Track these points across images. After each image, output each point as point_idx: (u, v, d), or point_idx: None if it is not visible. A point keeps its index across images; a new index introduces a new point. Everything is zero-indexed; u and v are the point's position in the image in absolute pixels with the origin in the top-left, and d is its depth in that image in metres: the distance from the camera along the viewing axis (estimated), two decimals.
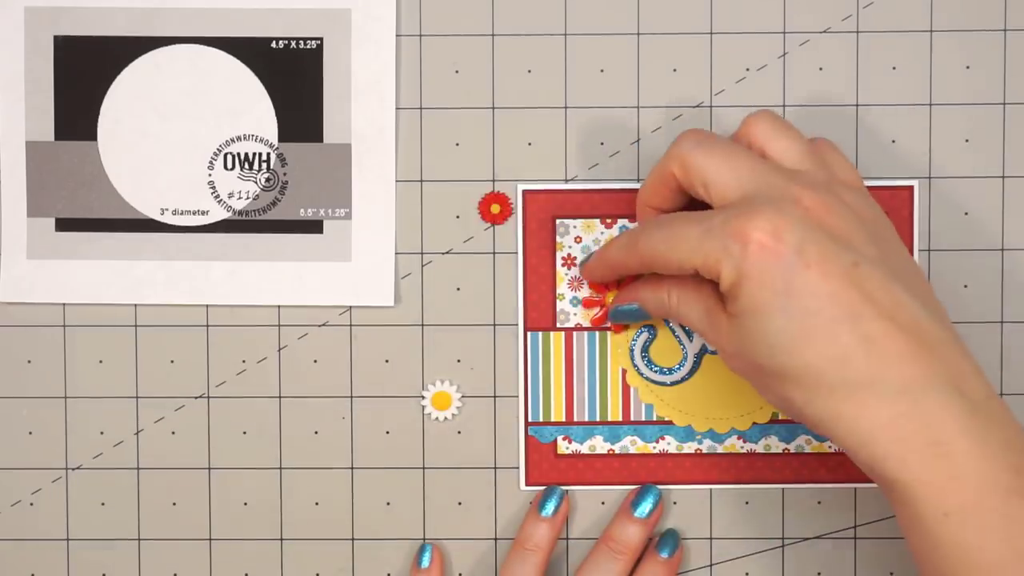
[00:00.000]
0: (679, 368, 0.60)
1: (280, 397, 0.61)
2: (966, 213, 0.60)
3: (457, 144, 0.60)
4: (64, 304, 0.60)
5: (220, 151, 0.60)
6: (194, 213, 0.60)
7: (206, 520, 0.61)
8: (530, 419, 0.60)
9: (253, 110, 0.60)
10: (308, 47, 0.60)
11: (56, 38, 0.60)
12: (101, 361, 0.61)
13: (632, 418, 0.60)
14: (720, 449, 0.60)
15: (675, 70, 0.60)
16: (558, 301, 0.60)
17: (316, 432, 0.61)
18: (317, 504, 0.61)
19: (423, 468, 0.61)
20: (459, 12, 0.60)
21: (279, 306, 0.60)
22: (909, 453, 0.48)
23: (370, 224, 0.60)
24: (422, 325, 0.60)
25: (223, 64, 0.60)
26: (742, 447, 0.60)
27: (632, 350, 0.60)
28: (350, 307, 0.60)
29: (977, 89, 0.59)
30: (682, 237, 0.51)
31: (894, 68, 0.59)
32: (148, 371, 0.61)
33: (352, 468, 0.61)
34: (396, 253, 0.60)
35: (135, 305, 0.60)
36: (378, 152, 0.60)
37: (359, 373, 0.60)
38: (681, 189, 0.53)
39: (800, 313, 0.48)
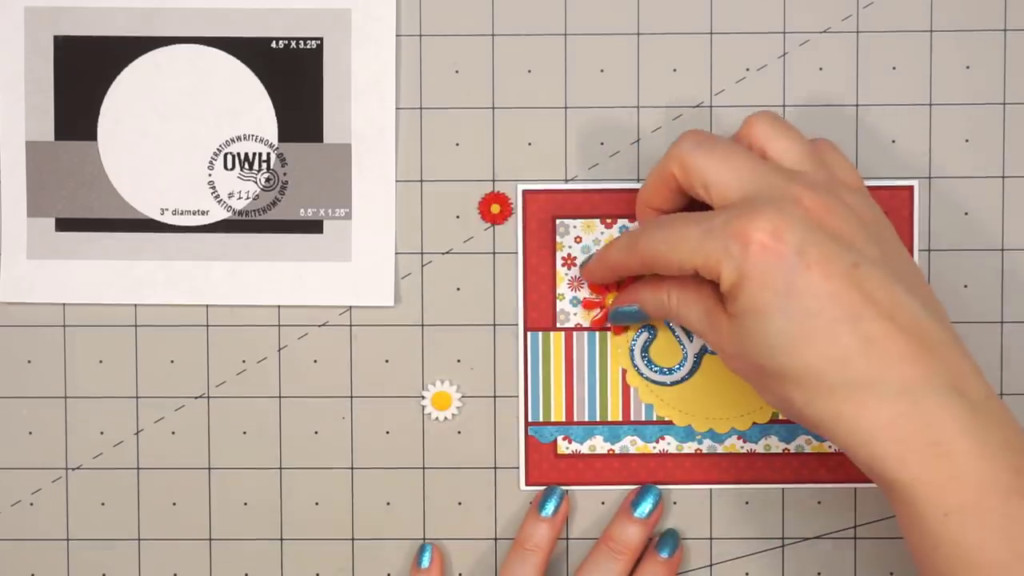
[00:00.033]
0: (679, 368, 0.60)
1: (280, 397, 0.61)
2: (966, 213, 0.60)
3: (457, 144, 0.60)
4: (64, 304, 0.60)
5: (220, 151, 0.60)
6: (194, 213, 0.60)
7: (206, 520, 0.61)
8: (530, 419, 0.60)
9: (253, 110, 0.60)
10: (308, 47, 0.60)
11: (56, 38, 0.60)
12: (101, 361, 0.61)
13: (632, 418, 0.60)
14: (720, 449, 0.60)
15: (675, 70, 0.60)
16: (558, 301, 0.60)
17: (316, 432, 0.61)
18: (317, 504, 0.61)
19: (423, 468, 0.61)
20: (459, 12, 0.60)
21: (279, 306, 0.60)
22: (909, 453, 0.48)
23: (370, 224, 0.60)
24: (422, 325, 0.60)
25: (223, 64, 0.60)
26: (742, 447, 0.60)
27: (632, 350, 0.60)
28: (350, 307, 0.60)
29: (977, 89, 0.59)
30: (682, 238, 0.51)
31: (894, 68, 0.59)
32: (148, 371, 0.61)
33: (352, 468, 0.61)
34: (396, 253, 0.60)
35: (135, 305, 0.60)
36: (378, 152, 0.60)
37: (359, 373, 0.60)
38: (681, 190, 0.53)
39: (800, 314, 0.48)
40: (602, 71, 0.60)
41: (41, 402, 0.61)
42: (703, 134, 0.53)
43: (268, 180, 0.60)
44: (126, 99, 0.60)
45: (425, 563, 0.60)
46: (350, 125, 0.60)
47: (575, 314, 0.60)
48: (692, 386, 0.60)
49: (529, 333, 0.60)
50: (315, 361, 0.60)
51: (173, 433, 0.61)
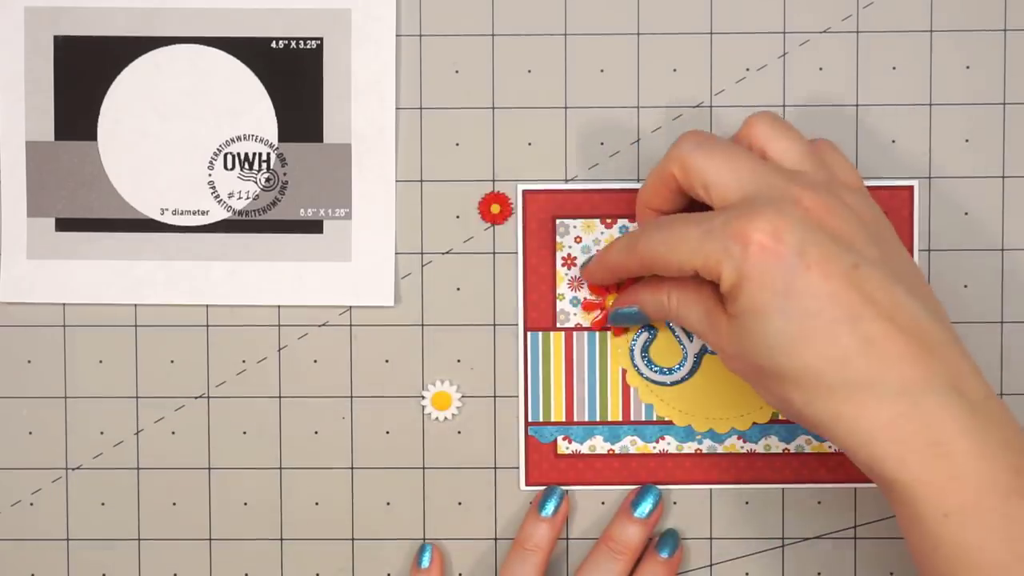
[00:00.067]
0: (679, 368, 0.60)
1: (280, 397, 0.61)
2: (966, 213, 0.60)
3: (457, 144, 0.60)
4: (64, 304, 0.60)
5: (220, 151, 0.60)
6: (194, 213, 0.60)
7: (206, 520, 0.61)
8: (530, 419, 0.60)
9: (253, 110, 0.60)
10: (308, 47, 0.60)
11: (56, 38, 0.60)
12: (101, 361, 0.61)
13: (632, 418, 0.60)
14: (720, 449, 0.60)
15: (675, 70, 0.60)
16: (558, 301, 0.60)
17: (316, 432, 0.61)
18: (317, 504, 0.61)
19: (423, 468, 0.61)
20: (459, 12, 0.60)
21: (279, 306, 0.60)
22: (909, 453, 0.48)
23: (370, 224, 0.60)
24: (422, 325, 0.60)
25: (223, 64, 0.60)
26: (742, 447, 0.60)
27: (632, 350, 0.60)
28: (350, 307, 0.60)
29: (977, 89, 0.59)
30: (682, 238, 0.51)
31: (894, 68, 0.59)
32: (148, 371, 0.61)
33: (352, 468, 0.61)
34: (396, 253, 0.60)
35: (135, 305, 0.60)
36: (378, 152, 0.60)
37: (359, 373, 0.60)
38: (681, 191, 0.53)
39: (800, 314, 0.48)
40: (602, 71, 0.60)
41: (41, 402, 0.61)
42: (703, 134, 0.53)
43: (268, 180, 0.60)
44: (126, 99, 0.60)
45: (425, 563, 0.60)
46: (350, 125, 0.60)
47: (575, 314, 0.60)
48: (692, 386, 0.60)
49: (529, 333, 0.60)
50: (315, 361, 0.60)
51: (173, 433, 0.61)
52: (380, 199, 0.60)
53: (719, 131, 0.59)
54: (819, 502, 0.60)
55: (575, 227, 0.60)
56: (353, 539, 0.61)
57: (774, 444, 0.60)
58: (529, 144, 0.60)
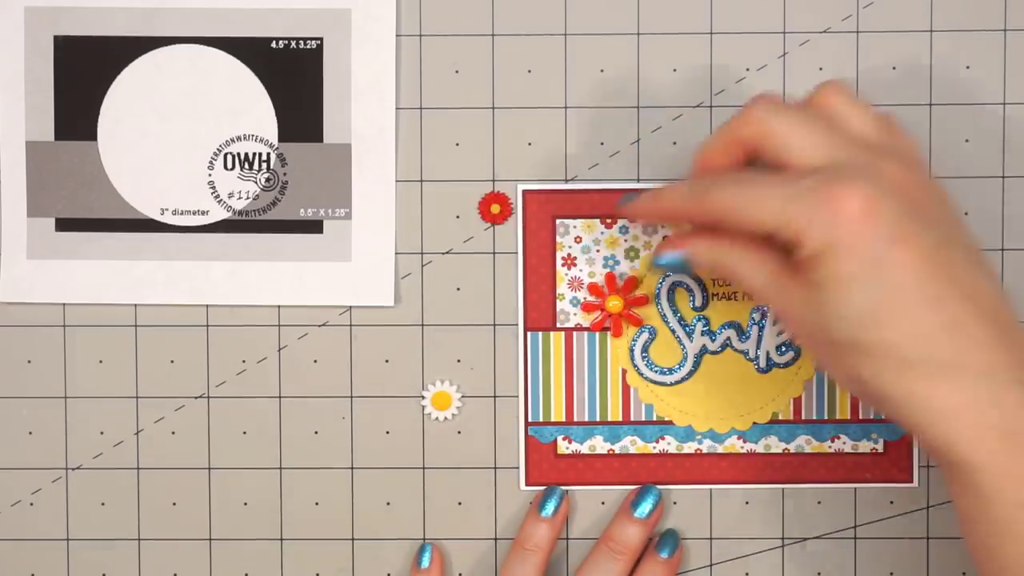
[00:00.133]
0: (679, 368, 0.60)
1: (280, 397, 0.61)
2: (966, 213, 0.59)
3: (457, 144, 0.60)
4: (64, 304, 0.60)
5: (220, 151, 0.60)
6: (194, 213, 0.60)
7: (206, 520, 0.61)
8: (530, 419, 0.60)
9: (253, 110, 0.60)
10: (308, 47, 0.60)
11: (56, 38, 0.60)
12: (101, 361, 0.61)
13: (632, 418, 0.60)
14: (720, 449, 0.60)
15: (675, 70, 0.60)
16: (558, 301, 0.60)
17: (316, 432, 0.61)
18: (317, 504, 0.61)
19: (423, 468, 0.61)
20: (459, 12, 0.60)
21: (279, 306, 0.60)
22: (983, 439, 0.47)
23: (370, 224, 0.60)
24: (422, 325, 0.60)
25: (223, 64, 0.60)
26: (742, 447, 0.60)
27: (632, 350, 0.60)
28: (350, 307, 0.60)
29: (977, 89, 0.59)
30: (763, 196, 0.49)
31: (894, 68, 0.59)
32: (148, 371, 0.61)
33: (352, 468, 0.61)
34: (396, 253, 0.60)
35: (135, 305, 0.60)
36: (378, 152, 0.60)
37: (359, 373, 0.60)
38: (748, 153, 0.51)
39: (887, 288, 0.47)
40: (602, 71, 0.60)
41: (41, 402, 0.61)
42: (778, 98, 0.51)
43: (268, 180, 0.60)
44: (126, 99, 0.60)
45: (425, 563, 0.60)
46: (350, 125, 0.60)
47: (575, 314, 0.60)
48: (692, 386, 0.60)
49: (529, 333, 0.60)
50: (315, 361, 0.60)
51: (173, 433, 0.61)
52: (380, 199, 0.60)
53: None
54: (819, 502, 0.60)
55: (575, 227, 0.60)
56: (353, 539, 0.61)
57: (774, 444, 0.60)
58: (529, 144, 0.60)
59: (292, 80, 0.60)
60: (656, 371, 0.60)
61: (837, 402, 0.60)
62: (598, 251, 0.60)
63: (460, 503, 0.61)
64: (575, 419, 0.60)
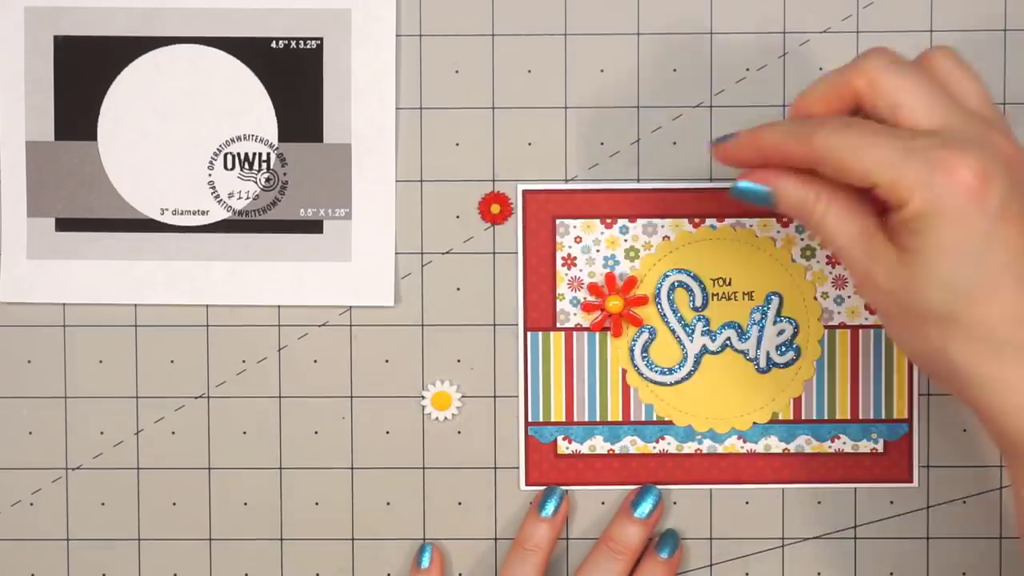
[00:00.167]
0: (679, 368, 0.60)
1: (280, 397, 0.61)
2: None
3: (457, 144, 0.60)
4: (64, 304, 0.60)
5: (220, 151, 0.60)
6: (194, 213, 0.60)
7: (206, 520, 0.61)
8: (530, 419, 0.60)
9: (253, 110, 0.60)
10: (308, 47, 0.60)
11: (56, 38, 0.60)
12: (101, 361, 0.61)
13: (632, 418, 0.60)
14: (720, 449, 0.60)
15: (675, 70, 0.60)
16: (558, 301, 0.60)
17: (316, 432, 0.61)
18: (317, 504, 0.61)
19: (423, 468, 0.61)
20: (459, 12, 0.60)
21: (279, 306, 0.60)
22: None
23: (370, 224, 0.60)
24: (422, 325, 0.60)
25: (223, 64, 0.60)
26: (742, 447, 0.60)
27: (632, 350, 0.60)
28: (350, 307, 0.60)
29: None
30: (876, 146, 0.47)
31: None
32: (148, 371, 0.61)
33: (352, 468, 0.61)
34: (396, 253, 0.60)
35: (135, 305, 0.60)
36: (378, 152, 0.60)
37: (359, 373, 0.60)
38: (853, 105, 0.50)
39: (991, 265, 0.46)
40: (602, 71, 0.60)
41: (41, 402, 0.61)
42: (894, 53, 0.50)
43: (268, 180, 0.60)
44: (126, 99, 0.60)
45: (425, 563, 0.60)
46: (350, 125, 0.60)
47: (575, 314, 0.60)
48: (692, 386, 0.60)
49: (529, 333, 0.60)
50: (315, 361, 0.60)
51: (173, 433, 0.61)
52: (380, 199, 0.60)
53: (719, 132, 0.59)
54: (819, 502, 0.60)
55: (575, 227, 0.60)
56: (353, 539, 0.61)
57: (774, 444, 0.60)
58: (529, 144, 0.60)
59: (292, 80, 0.60)
60: (656, 371, 0.60)
61: (837, 402, 0.60)
62: (598, 251, 0.60)
63: (460, 503, 0.61)
64: (575, 419, 0.60)
